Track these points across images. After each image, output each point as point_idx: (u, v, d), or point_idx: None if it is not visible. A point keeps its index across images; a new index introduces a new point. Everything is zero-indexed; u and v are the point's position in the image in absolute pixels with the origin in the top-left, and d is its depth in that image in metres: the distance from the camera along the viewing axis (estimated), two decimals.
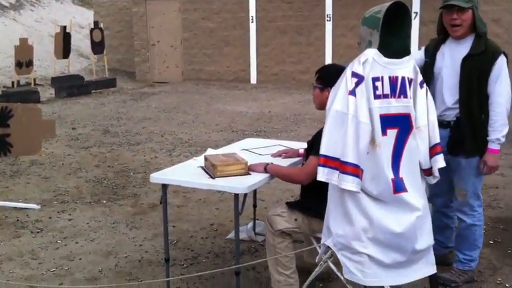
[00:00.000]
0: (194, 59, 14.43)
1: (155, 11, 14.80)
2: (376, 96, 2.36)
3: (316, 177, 2.47)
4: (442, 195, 3.62)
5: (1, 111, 4.92)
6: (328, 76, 3.03)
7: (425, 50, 3.50)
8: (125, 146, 7.42)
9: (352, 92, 2.33)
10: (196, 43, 14.31)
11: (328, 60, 12.74)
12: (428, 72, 3.38)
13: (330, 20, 12.72)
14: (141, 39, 15.02)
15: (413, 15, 11.63)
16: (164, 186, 3.34)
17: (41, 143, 5.45)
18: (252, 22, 13.60)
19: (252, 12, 13.59)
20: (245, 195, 3.48)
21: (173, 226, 4.51)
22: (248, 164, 3.21)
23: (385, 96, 2.38)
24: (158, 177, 3.34)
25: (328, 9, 12.72)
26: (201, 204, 5.10)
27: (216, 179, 3.17)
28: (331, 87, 2.89)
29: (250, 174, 3.18)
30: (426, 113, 2.53)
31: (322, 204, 2.68)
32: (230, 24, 13.84)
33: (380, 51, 2.40)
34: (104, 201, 5.22)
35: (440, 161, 2.59)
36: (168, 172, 3.47)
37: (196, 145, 7.29)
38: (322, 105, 3.07)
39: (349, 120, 2.32)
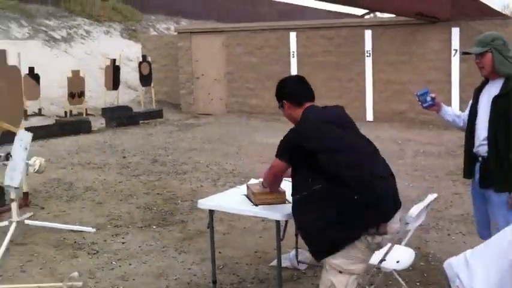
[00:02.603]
0: (237, 92, 14.86)
1: (200, 45, 15.36)
2: None
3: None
4: (486, 227, 3.76)
5: None
6: (278, 90, 3.29)
7: (474, 91, 3.71)
8: (173, 175, 7.79)
9: None
10: (239, 77, 14.76)
11: (369, 95, 12.96)
12: (472, 110, 3.64)
13: (369, 56, 12.98)
14: (186, 72, 15.57)
15: (452, 52, 11.82)
16: (211, 212, 3.65)
17: None
18: (293, 57, 13.98)
19: (293, 47, 13.97)
20: (286, 222, 3.71)
21: (219, 252, 4.77)
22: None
23: None
24: (205, 203, 3.65)
25: (368, 45, 12.99)
26: (246, 232, 5.37)
27: (259, 206, 3.46)
28: (285, 99, 3.21)
29: (289, 203, 3.44)
30: None
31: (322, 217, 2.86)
32: (272, 58, 14.25)
33: None
34: (154, 227, 5.54)
35: None
36: (215, 199, 3.78)
37: (240, 175, 7.58)
38: (292, 119, 3.23)
39: None
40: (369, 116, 12.96)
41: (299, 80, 3.34)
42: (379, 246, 2.97)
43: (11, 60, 12.95)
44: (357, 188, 2.81)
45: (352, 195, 2.80)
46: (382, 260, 3.37)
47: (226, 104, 15.07)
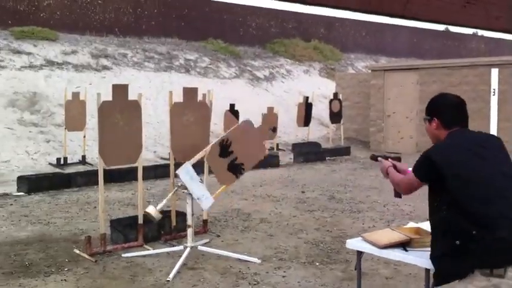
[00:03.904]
0: None
1: (393, 83, 15.12)
2: None
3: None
4: None
5: (222, 144, 5.63)
6: (433, 105, 3.12)
7: None
8: (347, 212, 7.71)
9: None
10: None
11: None
12: None
13: None
14: (377, 110, 15.42)
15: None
16: (359, 253, 3.52)
17: (263, 145, 6.05)
18: (494, 95, 12.97)
19: (494, 85, 12.98)
20: None
21: None
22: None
23: None
24: (353, 243, 3.55)
25: None
26: (410, 279, 5.07)
27: (409, 251, 3.26)
28: (437, 118, 3.01)
29: None
30: None
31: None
32: (470, 96, 13.37)
33: None
34: (317, 264, 5.52)
35: None
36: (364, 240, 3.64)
37: (418, 218, 7.18)
38: (434, 138, 3.09)
39: None
40: None
41: (459, 103, 3.13)
42: None
43: (216, 97, 14.22)
44: (477, 223, 2.67)
45: (471, 230, 2.67)
46: None
47: (417, 143, 14.52)
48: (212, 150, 5.68)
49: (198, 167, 5.80)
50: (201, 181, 5.59)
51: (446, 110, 3.10)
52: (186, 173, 5.41)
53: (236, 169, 5.74)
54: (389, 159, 3.50)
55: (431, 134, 3.15)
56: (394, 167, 3.43)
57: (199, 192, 5.47)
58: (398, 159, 3.52)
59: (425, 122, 3.16)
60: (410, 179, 3.12)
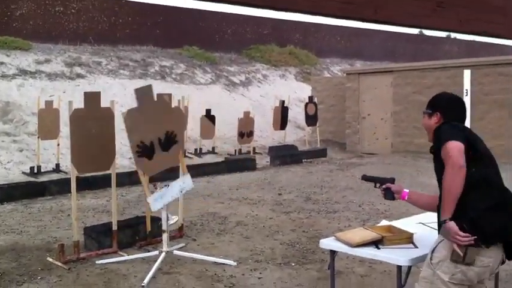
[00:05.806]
0: (404, 131, 14.41)
1: (367, 85, 15.27)
2: None
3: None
4: None
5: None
6: (438, 100, 3.18)
7: None
8: (323, 213, 7.74)
9: None
10: (406, 116, 14.32)
11: None
12: None
13: None
14: (353, 112, 15.55)
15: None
16: (332, 253, 3.54)
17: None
18: (466, 95, 13.15)
19: (467, 85, 13.17)
20: (409, 268, 3.48)
21: None
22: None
23: None
24: (327, 243, 3.56)
25: None
26: (385, 276, 5.10)
27: (381, 249, 3.28)
28: (440, 113, 3.06)
29: (416, 247, 3.22)
30: None
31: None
32: None
33: None
34: (293, 264, 5.53)
35: None
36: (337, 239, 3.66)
37: (392, 217, 7.24)
38: (431, 132, 3.12)
39: None
40: None
41: (463, 103, 3.22)
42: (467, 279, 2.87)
43: (193, 103, 14.20)
44: None
45: None
46: None
47: (392, 144, 14.68)
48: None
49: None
50: (167, 185, 5.53)
51: (450, 106, 3.16)
52: (187, 182, 5.46)
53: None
54: (384, 183, 3.56)
55: (428, 128, 3.18)
56: (389, 188, 3.51)
57: (166, 198, 5.45)
58: (392, 181, 3.56)
59: (424, 115, 3.19)
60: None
